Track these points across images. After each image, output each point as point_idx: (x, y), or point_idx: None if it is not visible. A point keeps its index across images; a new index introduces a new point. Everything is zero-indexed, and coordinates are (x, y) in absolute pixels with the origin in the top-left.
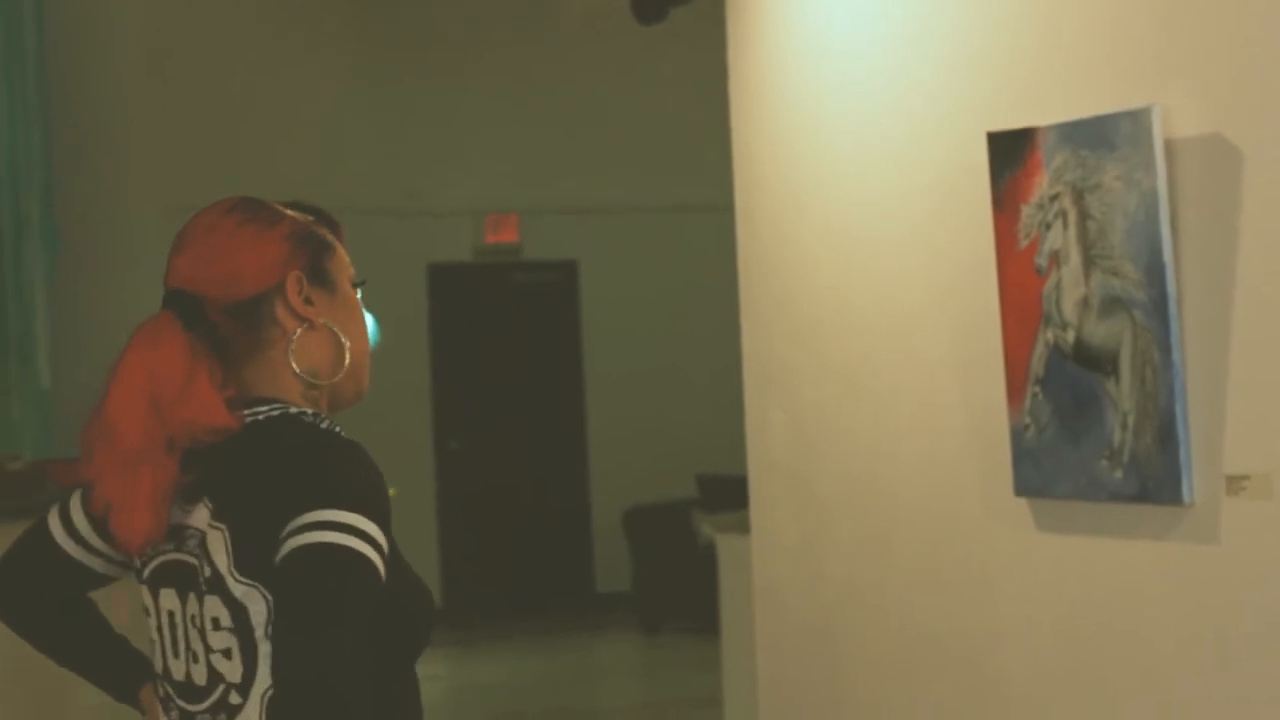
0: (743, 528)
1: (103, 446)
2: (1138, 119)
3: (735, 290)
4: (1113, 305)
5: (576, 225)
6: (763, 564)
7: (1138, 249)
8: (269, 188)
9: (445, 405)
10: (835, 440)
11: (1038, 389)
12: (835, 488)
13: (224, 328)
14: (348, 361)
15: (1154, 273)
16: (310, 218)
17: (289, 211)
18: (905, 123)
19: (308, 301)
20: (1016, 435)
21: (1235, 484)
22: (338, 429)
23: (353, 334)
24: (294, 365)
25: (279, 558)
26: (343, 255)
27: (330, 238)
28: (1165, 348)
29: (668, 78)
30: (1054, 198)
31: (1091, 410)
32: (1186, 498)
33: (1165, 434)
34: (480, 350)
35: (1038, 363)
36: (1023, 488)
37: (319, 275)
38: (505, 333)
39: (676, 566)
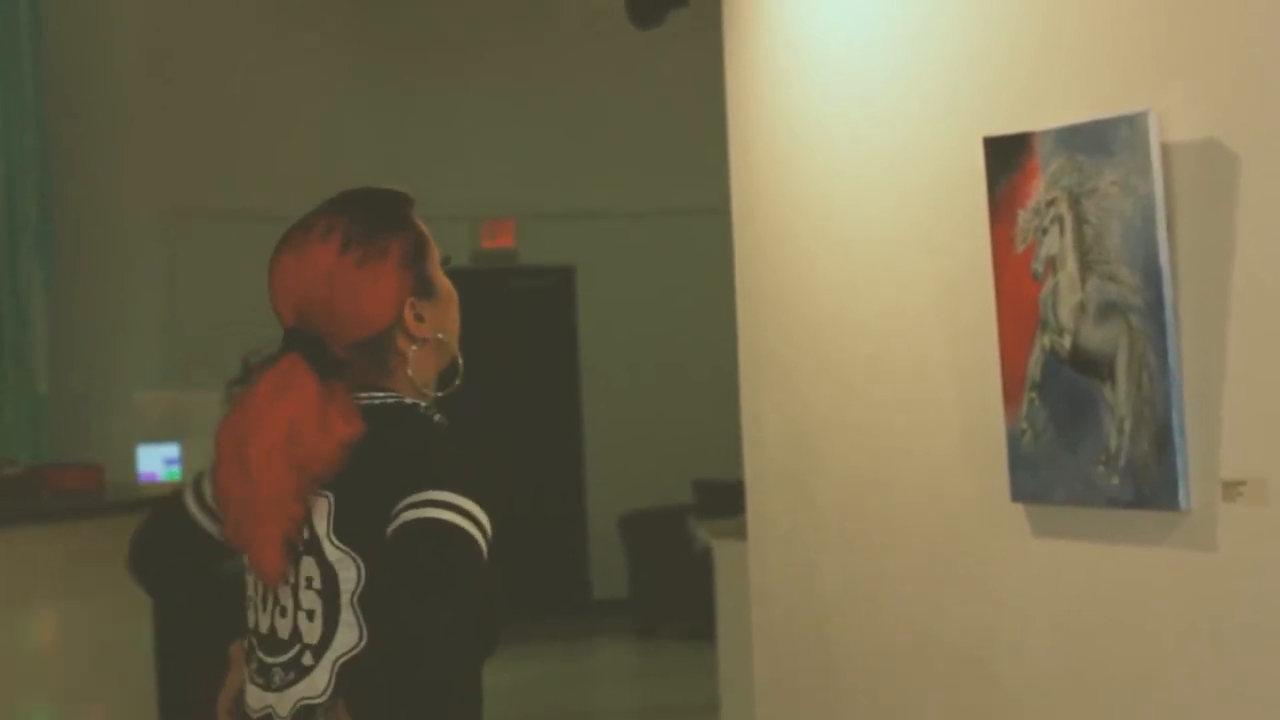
0: (739, 533)
1: (241, 490)
2: (1134, 124)
3: (733, 295)
4: (1109, 310)
5: (573, 230)
6: (759, 568)
7: (1134, 254)
8: (266, 191)
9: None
10: (832, 445)
11: (1034, 394)
12: (832, 493)
13: (353, 362)
14: (460, 364)
15: (1150, 278)
16: (406, 217)
17: (391, 223)
18: (902, 126)
19: (420, 319)
20: (1013, 440)
21: (1231, 489)
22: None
23: (452, 326)
24: (414, 383)
25: (391, 529)
26: (431, 244)
27: (420, 230)
28: (1162, 353)
29: (665, 81)
30: (1050, 203)
31: (1088, 415)
32: (1183, 503)
33: (1162, 439)
34: (477, 355)
35: (1034, 368)
36: (1019, 493)
37: (425, 288)
38: (502, 338)
39: (673, 572)
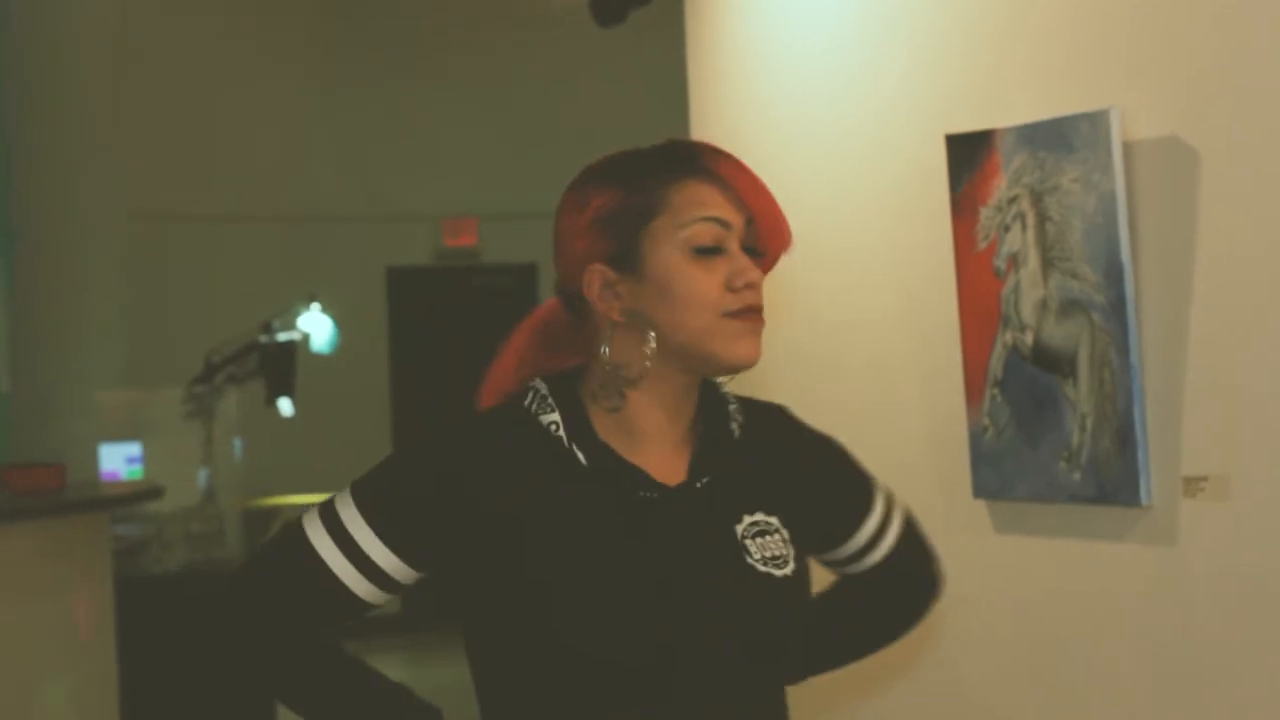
0: None
1: None
2: (1096, 121)
3: None
4: (1071, 307)
5: (536, 229)
6: None
7: (1096, 251)
8: (232, 192)
9: (404, 408)
10: None
11: (996, 391)
12: None
13: (579, 320)
14: (649, 351)
15: (1112, 275)
16: (641, 175)
17: (612, 177)
18: (866, 124)
19: (611, 291)
20: (975, 437)
21: (1193, 485)
22: (547, 418)
23: (665, 317)
24: (605, 359)
25: None
26: (674, 215)
27: (655, 195)
28: (1123, 349)
29: (627, 80)
30: (1012, 200)
31: (1050, 412)
32: (1144, 499)
33: (1123, 435)
34: (439, 353)
35: (996, 364)
36: (981, 490)
37: (623, 260)
38: (465, 336)
39: None
